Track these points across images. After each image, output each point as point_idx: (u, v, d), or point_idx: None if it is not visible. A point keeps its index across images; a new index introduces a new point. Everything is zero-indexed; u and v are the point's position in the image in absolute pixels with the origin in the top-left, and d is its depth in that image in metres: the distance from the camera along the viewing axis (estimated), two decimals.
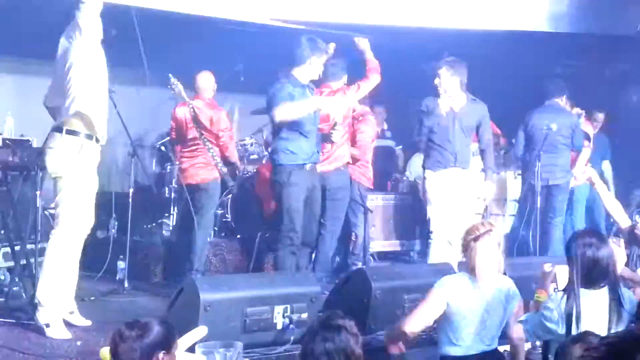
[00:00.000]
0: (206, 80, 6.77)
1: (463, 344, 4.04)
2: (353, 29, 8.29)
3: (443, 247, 6.37)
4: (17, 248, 5.68)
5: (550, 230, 7.24)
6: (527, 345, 4.54)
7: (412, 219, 8.00)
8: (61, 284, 4.90)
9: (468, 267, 4.07)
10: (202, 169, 6.62)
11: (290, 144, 5.76)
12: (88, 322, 5.15)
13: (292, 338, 4.70)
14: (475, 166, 6.88)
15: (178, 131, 6.78)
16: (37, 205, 5.52)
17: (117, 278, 6.57)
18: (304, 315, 4.79)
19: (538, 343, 4.55)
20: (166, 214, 7.68)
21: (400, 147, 9.14)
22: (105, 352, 4.12)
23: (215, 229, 7.44)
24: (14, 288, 5.54)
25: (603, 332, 3.42)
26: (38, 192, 5.51)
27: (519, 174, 7.80)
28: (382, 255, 8.01)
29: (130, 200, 6.60)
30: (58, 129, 4.89)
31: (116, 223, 7.17)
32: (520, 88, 8.57)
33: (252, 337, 4.60)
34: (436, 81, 6.38)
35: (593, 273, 3.71)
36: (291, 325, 4.73)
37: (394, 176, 8.84)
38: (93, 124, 4.90)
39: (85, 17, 4.81)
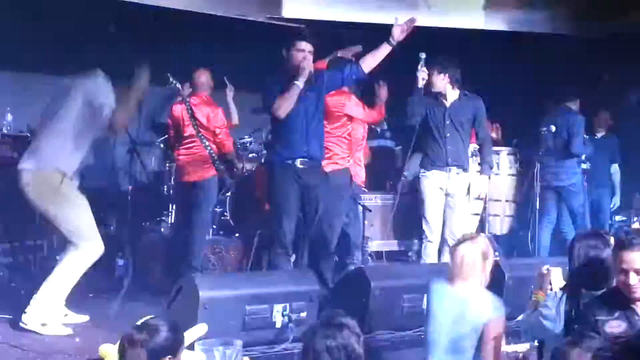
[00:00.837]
0: (203, 78, 6.76)
1: (436, 352, 3.96)
2: (354, 27, 8.31)
3: (436, 248, 6.35)
4: (16, 244, 5.68)
5: (569, 232, 7.24)
6: (525, 346, 4.53)
7: (410, 219, 7.99)
8: (63, 295, 4.91)
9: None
10: (199, 166, 6.61)
11: (279, 141, 5.68)
12: (85, 317, 5.16)
13: (291, 336, 4.71)
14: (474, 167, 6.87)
15: (175, 129, 6.78)
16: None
17: (115, 275, 6.57)
18: (303, 314, 4.80)
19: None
20: (165, 212, 7.66)
21: (400, 147, 9.14)
22: (104, 349, 4.14)
23: (214, 227, 7.43)
24: (13, 284, 5.54)
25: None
26: None
27: (513, 174, 7.79)
28: (381, 255, 8.00)
29: (129, 197, 6.59)
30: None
31: (115, 220, 7.16)
32: (519, 90, 8.56)
33: (251, 335, 4.61)
34: (422, 75, 6.28)
35: (596, 275, 3.71)
36: (290, 324, 4.74)
37: (393, 176, 8.83)
38: None
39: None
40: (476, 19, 8.16)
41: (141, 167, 7.03)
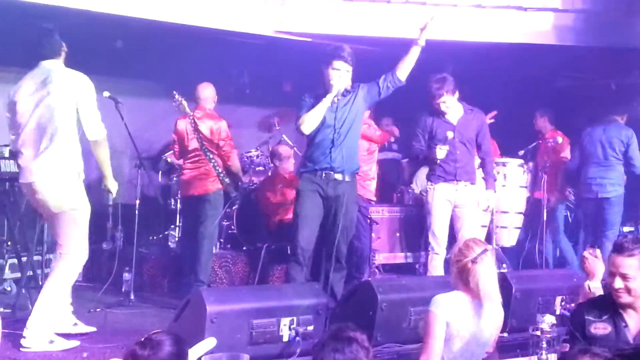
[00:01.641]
0: (207, 91, 6.78)
1: None
2: (358, 41, 8.33)
3: (442, 261, 6.33)
4: (23, 259, 5.69)
5: (604, 243, 7.23)
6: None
7: (418, 232, 7.98)
8: (57, 308, 4.93)
9: (461, 286, 3.98)
10: (205, 180, 6.62)
11: (307, 152, 5.76)
12: (92, 328, 5.18)
13: (298, 350, 4.69)
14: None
15: (180, 143, 6.79)
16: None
17: (123, 289, 6.58)
18: (310, 328, 4.78)
19: None
20: (172, 226, 7.69)
21: (407, 159, 9.15)
22: None
23: (221, 240, 7.45)
24: (21, 299, 5.55)
25: None
26: None
27: (521, 186, 7.79)
28: (388, 268, 8.00)
29: (136, 211, 6.61)
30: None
31: (122, 234, 7.18)
32: (527, 101, 8.57)
33: (258, 349, 4.59)
34: (443, 107, 6.35)
35: None
36: (297, 338, 4.72)
37: (400, 188, 8.84)
38: None
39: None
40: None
41: (148, 181, 7.04)
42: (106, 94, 6.25)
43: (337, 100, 5.60)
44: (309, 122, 5.58)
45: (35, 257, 5.92)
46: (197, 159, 6.66)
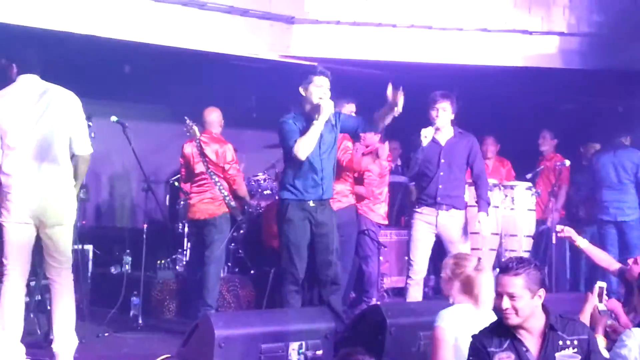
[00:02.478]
0: (213, 115, 6.81)
1: None
2: (364, 65, 8.38)
3: (421, 289, 6.26)
4: (32, 284, 5.68)
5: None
6: None
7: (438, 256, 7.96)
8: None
9: (465, 298, 3.98)
10: (211, 203, 6.63)
11: (293, 179, 5.55)
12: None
13: None
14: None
15: (187, 167, 6.81)
16: None
17: (130, 314, 6.56)
18: (319, 352, 4.77)
19: None
20: (180, 250, 7.69)
21: (414, 182, 9.13)
22: None
23: (229, 264, 7.44)
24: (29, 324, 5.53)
25: None
26: None
27: (529, 209, 7.76)
28: (397, 291, 7.96)
29: (144, 235, 6.61)
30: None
31: (130, 259, 7.18)
32: (533, 124, 8.58)
33: None
34: (439, 114, 6.23)
35: None
36: None
37: (408, 212, 8.81)
38: None
39: None
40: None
41: (156, 205, 7.05)
42: (114, 118, 6.30)
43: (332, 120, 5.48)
44: (305, 147, 5.38)
45: (44, 282, 5.89)
46: (203, 182, 6.67)
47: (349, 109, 6.49)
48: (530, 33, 8.22)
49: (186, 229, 7.56)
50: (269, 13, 7.70)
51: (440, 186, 6.23)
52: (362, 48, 8.09)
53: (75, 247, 6.92)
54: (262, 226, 7.59)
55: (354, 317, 5.74)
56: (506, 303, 3.44)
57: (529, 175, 7.93)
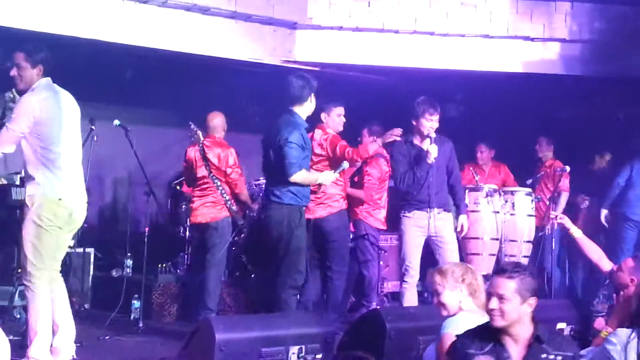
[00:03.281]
0: (216, 120, 6.83)
1: None
2: (366, 71, 8.41)
3: (415, 292, 6.29)
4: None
5: None
6: None
7: (426, 259, 7.97)
8: None
9: (469, 305, 4.01)
10: (212, 207, 6.65)
11: (297, 186, 5.65)
12: None
13: None
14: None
15: (189, 171, 6.84)
16: None
17: (131, 317, 6.59)
18: (319, 356, 4.77)
19: None
20: (181, 253, 7.71)
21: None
22: None
23: (230, 268, 7.45)
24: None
25: None
26: None
27: (529, 215, 7.78)
28: (397, 296, 7.97)
29: (145, 239, 6.63)
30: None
31: (131, 262, 7.20)
32: (534, 130, 8.60)
33: None
34: (433, 128, 6.27)
35: None
36: None
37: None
38: None
39: None
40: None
41: (157, 209, 7.07)
42: (116, 122, 6.34)
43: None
44: (303, 182, 5.64)
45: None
46: (205, 186, 6.70)
47: (338, 112, 6.48)
48: (532, 39, 8.25)
49: (187, 233, 7.58)
50: (272, 18, 7.74)
51: (432, 190, 6.26)
52: (365, 53, 8.12)
53: (77, 250, 7.03)
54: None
55: (353, 321, 5.75)
56: (494, 304, 3.43)
57: (529, 181, 7.95)
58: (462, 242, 6.80)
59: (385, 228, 7.30)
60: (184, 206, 7.78)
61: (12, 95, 4.97)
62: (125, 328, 6.35)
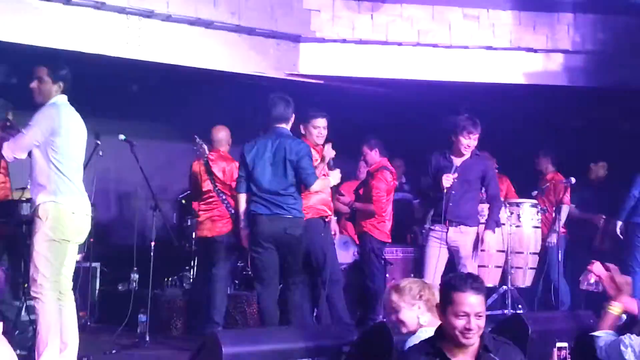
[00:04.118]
0: (221, 134, 6.86)
1: None
2: (370, 83, 8.43)
3: None
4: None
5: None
6: None
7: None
8: None
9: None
10: (218, 221, 6.66)
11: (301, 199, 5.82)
12: None
13: None
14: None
15: (194, 185, 6.86)
16: None
17: (138, 331, 6.58)
18: None
19: None
20: (187, 267, 7.72)
21: (419, 200, 9.16)
22: None
23: (236, 282, 7.46)
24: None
25: None
26: None
27: (535, 226, 7.78)
28: None
29: (151, 253, 6.64)
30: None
31: (137, 276, 7.20)
32: (538, 141, 8.60)
33: None
34: (468, 146, 6.36)
35: None
36: None
37: (414, 229, 8.83)
38: None
39: None
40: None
41: (163, 223, 7.09)
42: (122, 136, 6.35)
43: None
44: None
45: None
46: (210, 200, 6.71)
47: (321, 123, 6.45)
48: (535, 51, 8.28)
49: (193, 247, 7.58)
50: (276, 32, 7.77)
51: (450, 204, 6.29)
52: (368, 66, 8.15)
53: (83, 264, 7.03)
54: None
55: (360, 334, 5.75)
56: (473, 323, 3.28)
57: (534, 193, 7.94)
58: None
59: (390, 241, 7.31)
60: (189, 220, 7.79)
61: (9, 117, 5.05)
62: (131, 342, 6.35)
